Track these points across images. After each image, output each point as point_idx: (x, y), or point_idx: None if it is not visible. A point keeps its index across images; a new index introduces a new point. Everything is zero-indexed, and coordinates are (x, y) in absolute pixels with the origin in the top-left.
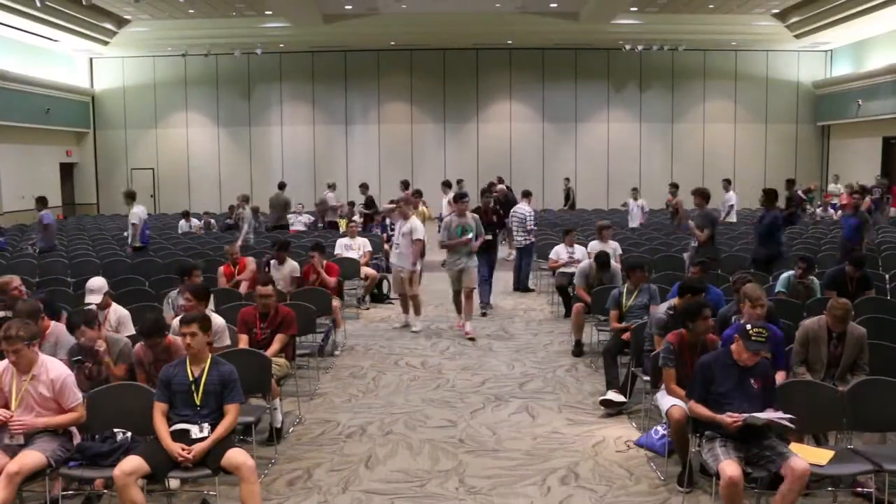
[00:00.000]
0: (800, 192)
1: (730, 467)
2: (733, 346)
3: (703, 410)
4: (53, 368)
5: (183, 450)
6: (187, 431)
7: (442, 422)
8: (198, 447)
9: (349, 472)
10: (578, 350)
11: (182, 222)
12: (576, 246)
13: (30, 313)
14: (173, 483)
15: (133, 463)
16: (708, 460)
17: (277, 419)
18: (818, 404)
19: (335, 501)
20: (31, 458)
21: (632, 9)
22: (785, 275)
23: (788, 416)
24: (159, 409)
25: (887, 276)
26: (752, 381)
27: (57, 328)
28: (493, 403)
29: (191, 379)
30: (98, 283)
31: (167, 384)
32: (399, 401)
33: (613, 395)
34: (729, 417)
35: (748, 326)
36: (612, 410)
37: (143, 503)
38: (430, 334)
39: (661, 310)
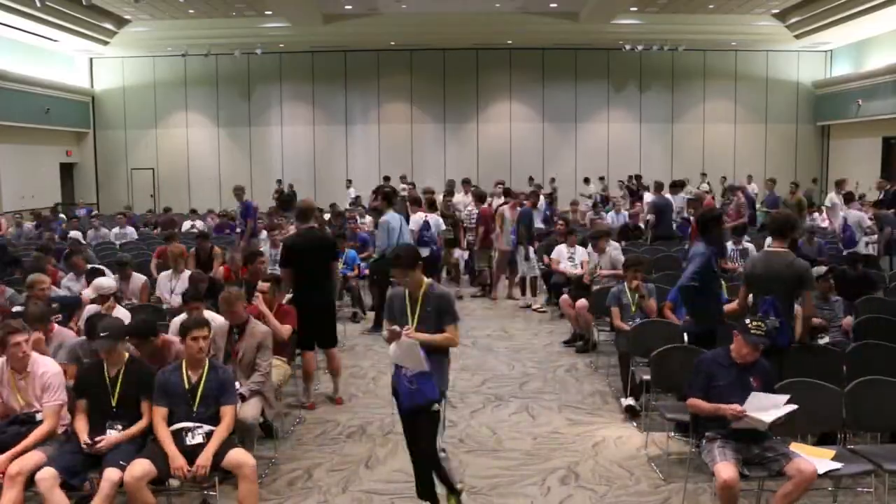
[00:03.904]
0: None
1: (725, 470)
2: (733, 345)
3: (703, 404)
4: (43, 365)
5: (186, 468)
6: (183, 437)
7: None
8: (202, 463)
9: (349, 472)
10: (584, 346)
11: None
12: (577, 247)
13: (42, 316)
14: (173, 482)
15: (143, 467)
16: (706, 461)
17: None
18: (818, 404)
19: (335, 501)
20: (32, 458)
21: (632, 9)
22: None
23: (788, 406)
24: (159, 414)
25: (887, 277)
26: (752, 380)
27: (62, 331)
28: (493, 403)
29: (187, 385)
30: (101, 283)
31: (164, 389)
32: None
33: (634, 402)
34: (731, 409)
35: (746, 321)
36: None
37: None
38: None
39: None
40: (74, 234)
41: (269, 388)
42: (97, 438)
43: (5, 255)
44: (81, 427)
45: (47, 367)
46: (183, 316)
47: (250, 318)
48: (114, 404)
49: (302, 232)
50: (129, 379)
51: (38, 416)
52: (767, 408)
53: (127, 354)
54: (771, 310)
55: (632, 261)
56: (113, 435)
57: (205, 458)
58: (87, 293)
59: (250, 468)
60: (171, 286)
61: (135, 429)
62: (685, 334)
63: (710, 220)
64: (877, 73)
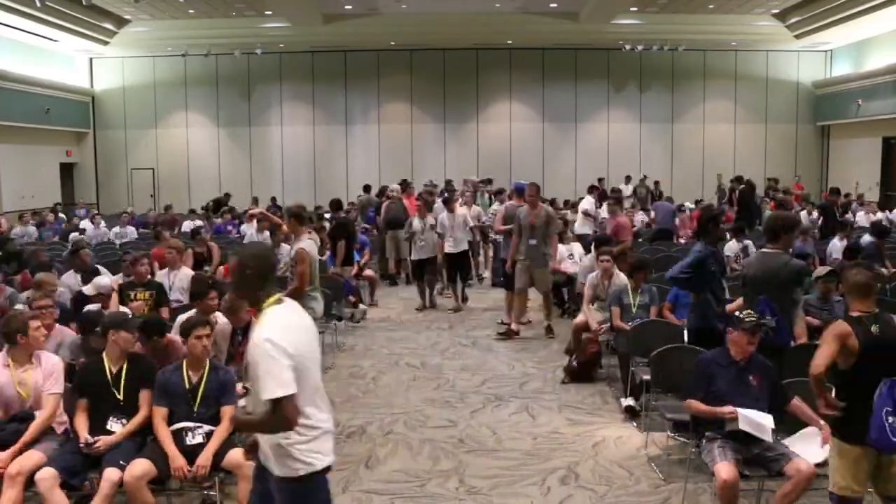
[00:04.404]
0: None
1: (725, 470)
2: (730, 344)
3: (701, 406)
4: (45, 355)
5: (186, 469)
6: (184, 437)
7: (442, 422)
8: (202, 462)
9: (349, 472)
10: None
11: None
12: (573, 244)
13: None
14: (173, 483)
15: (143, 467)
16: (706, 461)
17: None
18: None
19: (335, 501)
20: (32, 458)
21: (632, 9)
22: None
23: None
24: (159, 414)
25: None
26: (751, 378)
27: (62, 330)
28: (493, 403)
29: (188, 385)
30: (101, 281)
31: (164, 389)
32: (399, 401)
33: (634, 403)
34: (726, 410)
35: (738, 314)
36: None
37: None
38: (430, 335)
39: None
40: (75, 235)
41: None
42: (95, 439)
43: (5, 249)
44: (81, 426)
45: (49, 357)
46: (188, 315)
47: (252, 319)
48: (120, 398)
49: None
50: (133, 373)
51: (38, 414)
52: (759, 421)
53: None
54: (766, 310)
55: (636, 263)
56: (111, 436)
57: (205, 458)
58: (88, 290)
59: (250, 468)
60: (170, 282)
61: (133, 425)
62: (685, 332)
63: (708, 220)
64: (877, 73)
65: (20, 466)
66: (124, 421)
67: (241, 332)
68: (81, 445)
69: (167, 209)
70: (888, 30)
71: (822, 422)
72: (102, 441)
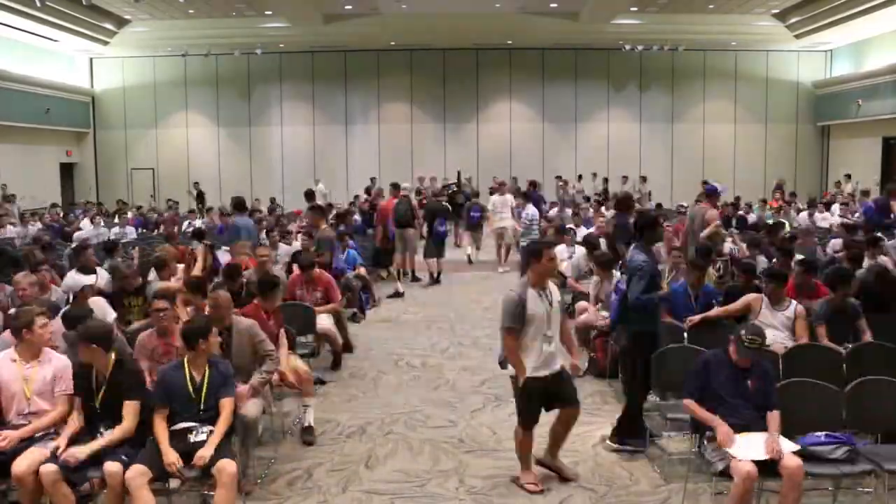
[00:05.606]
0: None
1: (745, 464)
2: (731, 347)
3: (699, 409)
4: (55, 356)
5: (179, 463)
6: (187, 436)
7: (442, 422)
8: (202, 454)
9: (349, 472)
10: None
11: None
12: (576, 247)
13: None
14: (173, 483)
15: (138, 471)
16: (713, 460)
17: (309, 418)
18: (818, 404)
19: (335, 501)
20: (35, 455)
21: (632, 9)
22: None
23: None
24: (160, 413)
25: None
26: (749, 382)
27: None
28: (493, 403)
29: (191, 385)
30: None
31: (164, 388)
32: (399, 401)
33: None
34: (726, 434)
35: (742, 332)
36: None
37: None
38: (430, 336)
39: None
40: (79, 234)
41: (268, 392)
42: (71, 451)
43: (4, 256)
44: (70, 426)
45: (60, 360)
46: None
47: (233, 321)
48: (97, 405)
49: None
50: (115, 382)
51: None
52: (757, 445)
53: (113, 358)
54: None
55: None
56: (86, 446)
57: (207, 450)
58: (103, 275)
59: (229, 475)
60: None
61: (114, 435)
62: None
63: (644, 225)
64: (877, 73)
65: (30, 463)
66: (102, 430)
67: (226, 333)
68: (56, 449)
69: (170, 208)
70: (888, 30)
71: (776, 435)
72: (74, 457)
